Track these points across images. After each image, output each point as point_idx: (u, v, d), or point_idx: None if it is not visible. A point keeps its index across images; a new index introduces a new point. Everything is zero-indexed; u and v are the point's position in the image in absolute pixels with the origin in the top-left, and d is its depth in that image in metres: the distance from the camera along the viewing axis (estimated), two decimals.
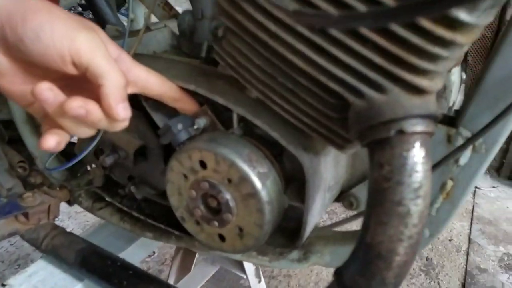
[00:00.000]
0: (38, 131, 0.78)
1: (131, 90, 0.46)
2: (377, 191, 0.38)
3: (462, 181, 0.53)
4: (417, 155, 0.37)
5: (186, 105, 0.52)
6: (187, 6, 0.67)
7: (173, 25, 0.81)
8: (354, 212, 0.65)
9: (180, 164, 0.51)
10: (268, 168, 0.49)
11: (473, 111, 0.49)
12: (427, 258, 1.75)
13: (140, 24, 0.90)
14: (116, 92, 0.39)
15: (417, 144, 0.37)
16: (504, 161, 2.29)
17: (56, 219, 0.83)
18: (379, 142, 0.38)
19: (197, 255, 1.34)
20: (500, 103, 0.47)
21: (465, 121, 0.50)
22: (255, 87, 0.48)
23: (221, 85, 0.53)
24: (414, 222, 0.37)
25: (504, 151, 2.27)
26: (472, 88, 0.49)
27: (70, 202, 0.77)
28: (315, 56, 0.38)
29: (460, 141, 0.51)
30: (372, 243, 0.39)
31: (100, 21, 0.88)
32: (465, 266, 1.72)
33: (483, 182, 2.29)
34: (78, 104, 0.38)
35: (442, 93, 0.67)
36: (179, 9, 0.83)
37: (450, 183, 0.54)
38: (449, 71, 0.64)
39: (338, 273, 0.45)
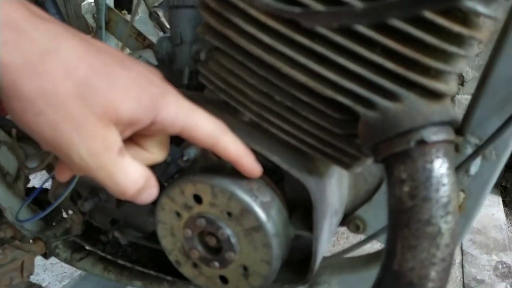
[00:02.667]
0: (5, 180, 0.71)
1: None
2: (401, 211, 0.34)
3: (474, 192, 0.50)
4: (442, 166, 0.33)
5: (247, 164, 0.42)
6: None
7: (147, 55, 0.77)
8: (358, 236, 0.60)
9: (171, 201, 0.45)
10: (271, 196, 0.44)
11: (480, 116, 0.47)
12: None
13: None
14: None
15: (441, 154, 0.33)
16: None
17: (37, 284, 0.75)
18: (397, 155, 0.34)
19: None
20: (508, 105, 0.44)
21: (472, 127, 0.47)
22: (249, 110, 0.44)
23: (210, 111, 0.48)
24: (446, 242, 0.33)
25: None
26: (476, 91, 0.47)
27: (46, 255, 0.69)
28: (318, 67, 0.35)
29: (469, 150, 0.48)
30: (401, 271, 0.35)
31: None
32: (462, 279, 1.69)
33: None
34: None
35: None
36: (153, 39, 0.80)
37: (462, 195, 0.50)
38: None
39: None
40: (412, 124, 0.33)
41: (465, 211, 0.51)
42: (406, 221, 0.34)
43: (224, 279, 0.48)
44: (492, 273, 1.73)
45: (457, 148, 0.49)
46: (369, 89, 0.34)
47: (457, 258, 1.81)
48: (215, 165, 0.46)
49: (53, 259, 1.89)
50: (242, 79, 0.42)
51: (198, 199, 0.44)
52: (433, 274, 0.34)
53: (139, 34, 0.78)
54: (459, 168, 0.47)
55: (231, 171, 0.45)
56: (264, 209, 0.42)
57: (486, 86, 0.45)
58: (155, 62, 0.73)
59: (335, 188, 0.50)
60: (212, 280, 0.48)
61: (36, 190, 0.58)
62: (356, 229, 0.58)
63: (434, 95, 0.33)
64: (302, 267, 0.53)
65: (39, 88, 0.26)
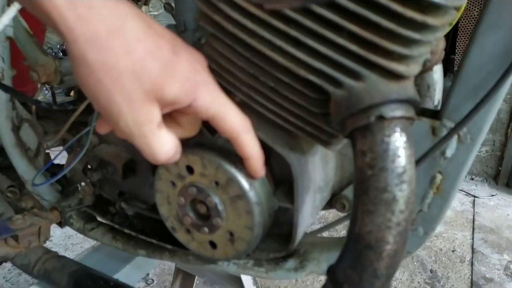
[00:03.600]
0: (27, 155, 0.78)
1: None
2: (362, 180, 0.38)
3: (451, 174, 0.53)
4: (399, 140, 0.37)
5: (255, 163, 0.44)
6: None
7: None
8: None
9: (167, 171, 0.50)
10: None
11: (455, 101, 0.50)
12: (431, 271, 1.72)
13: None
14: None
15: (398, 129, 0.37)
16: (500, 168, 2.29)
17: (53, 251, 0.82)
18: (360, 129, 0.38)
19: (196, 279, 1.31)
20: (480, 91, 0.47)
21: (448, 112, 0.50)
22: (239, 90, 0.49)
23: None
24: (401, 208, 0.37)
25: (499, 159, 2.28)
26: (453, 79, 0.50)
27: (61, 224, 0.75)
28: (292, 49, 0.39)
29: (444, 133, 0.51)
30: (360, 234, 0.38)
31: None
32: (470, 277, 1.69)
33: (482, 191, 2.28)
34: None
35: (426, 92, 0.68)
36: None
37: (439, 177, 0.54)
38: (431, 69, 0.65)
39: (330, 270, 0.44)
40: (372, 101, 0.36)
41: (442, 192, 0.54)
42: (366, 189, 0.38)
43: (213, 244, 0.52)
44: (502, 272, 1.72)
45: (435, 132, 0.52)
46: (336, 69, 0.38)
47: (467, 256, 1.81)
48: (208, 141, 0.51)
49: (74, 240, 1.99)
50: (232, 62, 0.46)
51: (190, 169, 0.49)
52: (389, 237, 0.38)
53: None
54: (434, 149, 0.50)
55: (221, 146, 0.49)
56: (247, 179, 0.47)
57: (461, 74, 0.48)
58: None
59: (318, 167, 0.54)
60: (203, 245, 0.53)
61: (51, 161, 0.65)
62: (342, 208, 0.62)
63: (393, 76, 0.37)
64: (288, 239, 0.58)
65: (102, 60, 0.31)
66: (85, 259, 0.81)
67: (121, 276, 0.80)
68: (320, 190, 0.55)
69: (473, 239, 1.91)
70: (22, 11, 0.65)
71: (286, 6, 0.32)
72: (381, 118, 0.36)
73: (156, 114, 0.35)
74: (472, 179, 2.42)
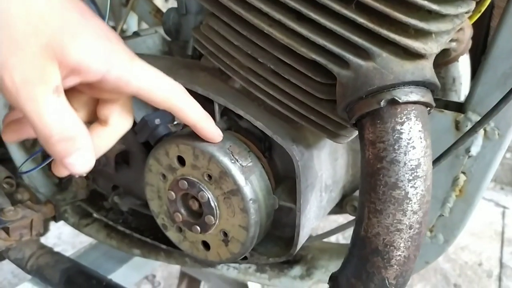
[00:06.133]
0: (25, 146, 0.75)
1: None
2: (369, 174, 0.33)
3: (476, 174, 0.47)
4: (413, 128, 0.31)
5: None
6: None
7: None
8: None
9: (157, 162, 0.46)
10: (253, 162, 0.44)
11: (481, 91, 0.44)
12: (455, 285, 1.63)
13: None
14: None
15: (412, 116, 0.31)
16: None
17: (59, 249, 0.79)
18: (368, 116, 0.33)
19: (202, 284, 1.27)
20: (510, 79, 0.41)
21: (474, 104, 0.45)
22: (237, 74, 0.44)
23: (202, 76, 0.49)
24: (413, 208, 0.32)
25: None
26: (479, 67, 0.44)
27: (55, 218, 0.72)
28: (293, 23, 0.34)
29: (469, 127, 0.45)
30: (366, 236, 0.33)
31: None
32: None
33: None
34: None
35: (452, 85, 0.62)
36: None
37: (462, 178, 0.48)
38: (457, 60, 0.59)
39: (333, 278, 0.38)
40: (382, 82, 0.31)
41: (466, 195, 0.48)
42: (373, 185, 0.32)
43: (206, 245, 0.48)
44: None
45: (458, 126, 0.46)
46: (341, 46, 0.33)
47: (495, 270, 1.71)
48: None
49: (82, 238, 1.95)
50: (229, 42, 0.42)
51: (181, 160, 0.44)
52: (399, 241, 0.32)
53: (158, 10, 0.80)
54: (457, 145, 0.44)
55: None
56: (243, 173, 0.42)
57: (488, 61, 0.42)
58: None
59: (326, 163, 0.48)
60: (195, 245, 0.49)
61: (40, 149, 0.61)
62: (353, 211, 0.57)
63: (408, 54, 0.31)
64: (290, 243, 0.52)
65: None
66: (81, 257, 0.78)
67: (117, 276, 0.76)
68: (328, 189, 0.50)
69: (501, 253, 1.80)
70: None
71: None
72: (393, 102, 0.31)
73: (53, 75, 0.28)
74: (502, 188, 2.30)
